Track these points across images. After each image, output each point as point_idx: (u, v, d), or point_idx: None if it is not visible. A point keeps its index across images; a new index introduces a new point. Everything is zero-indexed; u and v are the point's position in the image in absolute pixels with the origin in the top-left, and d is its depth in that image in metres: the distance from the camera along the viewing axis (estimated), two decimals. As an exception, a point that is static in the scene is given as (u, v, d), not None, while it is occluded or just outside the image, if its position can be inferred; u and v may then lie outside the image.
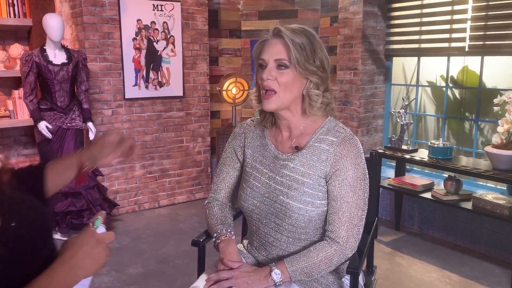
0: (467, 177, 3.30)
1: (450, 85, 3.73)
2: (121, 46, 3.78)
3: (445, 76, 3.64)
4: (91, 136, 3.42)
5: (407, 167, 3.74)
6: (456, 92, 4.15)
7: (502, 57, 3.40)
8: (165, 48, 4.01)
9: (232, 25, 4.58)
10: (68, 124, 3.33)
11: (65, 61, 3.29)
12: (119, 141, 1.23)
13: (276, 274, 1.31)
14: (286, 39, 1.31)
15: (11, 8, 3.59)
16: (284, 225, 1.38)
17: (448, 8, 3.32)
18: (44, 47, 3.25)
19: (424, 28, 3.53)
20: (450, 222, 3.35)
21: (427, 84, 4.25)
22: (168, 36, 4.01)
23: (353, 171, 1.35)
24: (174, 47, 4.06)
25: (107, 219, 3.56)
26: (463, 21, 3.24)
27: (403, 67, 4.45)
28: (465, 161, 3.13)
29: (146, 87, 3.96)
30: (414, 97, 3.83)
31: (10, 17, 3.58)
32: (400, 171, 3.57)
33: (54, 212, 3.22)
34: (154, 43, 3.95)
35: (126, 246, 3.32)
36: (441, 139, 3.27)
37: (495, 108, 2.90)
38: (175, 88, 4.11)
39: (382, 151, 3.45)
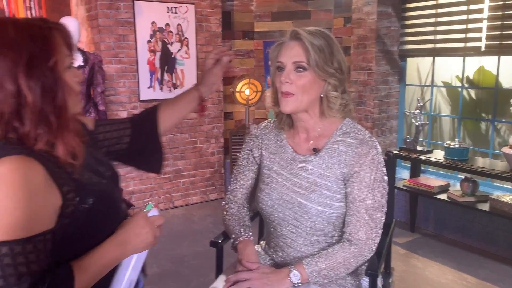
0: (483, 178, 3.26)
1: (466, 85, 3.69)
2: (136, 49, 3.82)
3: (460, 76, 3.61)
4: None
5: (422, 168, 3.71)
6: (472, 92, 4.11)
7: (519, 57, 3.35)
8: (179, 50, 4.04)
9: (246, 26, 4.59)
10: (85, 126, 3.37)
11: (81, 63, 3.33)
12: (217, 61, 1.45)
13: (295, 276, 1.31)
14: (305, 41, 1.31)
15: (28, 12, 3.66)
16: (302, 227, 1.39)
17: (464, 7, 3.29)
18: (61, 50, 3.30)
19: (439, 28, 3.49)
20: (466, 223, 3.31)
21: (442, 84, 4.22)
22: (182, 38, 4.04)
23: (371, 173, 1.34)
24: (188, 49, 4.08)
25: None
26: (479, 20, 3.21)
27: (417, 68, 4.42)
28: (481, 162, 3.10)
29: (161, 89, 3.99)
30: (429, 98, 3.81)
31: (27, 20, 3.65)
32: (415, 172, 3.55)
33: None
34: (169, 45, 3.98)
35: (142, 247, 3.34)
36: (457, 140, 3.23)
37: (512, 109, 2.87)
38: (189, 89, 4.13)
39: (397, 152, 3.43)
